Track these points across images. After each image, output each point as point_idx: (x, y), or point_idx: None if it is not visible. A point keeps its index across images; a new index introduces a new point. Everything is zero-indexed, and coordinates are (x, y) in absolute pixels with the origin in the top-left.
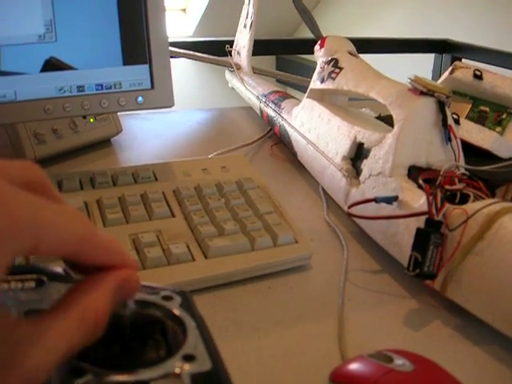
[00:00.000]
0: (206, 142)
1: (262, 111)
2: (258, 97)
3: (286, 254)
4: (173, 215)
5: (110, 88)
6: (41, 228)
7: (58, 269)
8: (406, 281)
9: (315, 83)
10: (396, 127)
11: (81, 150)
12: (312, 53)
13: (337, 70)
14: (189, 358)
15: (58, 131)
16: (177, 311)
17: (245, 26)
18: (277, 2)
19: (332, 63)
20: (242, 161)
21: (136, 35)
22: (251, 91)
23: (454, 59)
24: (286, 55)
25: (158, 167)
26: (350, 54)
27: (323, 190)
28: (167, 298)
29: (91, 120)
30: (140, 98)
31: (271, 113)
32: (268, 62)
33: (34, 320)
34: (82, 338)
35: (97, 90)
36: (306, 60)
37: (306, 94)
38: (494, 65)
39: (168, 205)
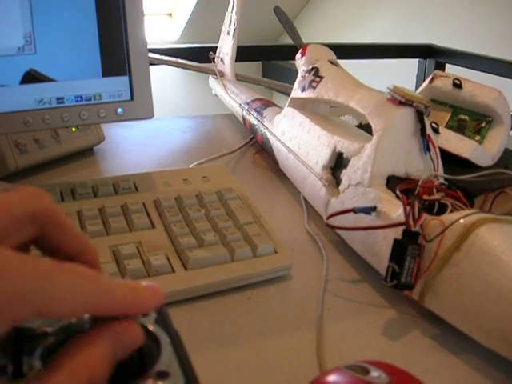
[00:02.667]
0: (189, 151)
1: (244, 119)
2: (240, 104)
3: (265, 265)
4: (153, 226)
5: (90, 100)
6: (46, 296)
7: None
8: (385, 290)
9: (296, 92)
10: (374, 137)
11: (63, 159)
12: (295, 59)
13: (317, 79)
14: (162, 375)
15: (40, 141)
16: (151, 327)
17: (228, 33)
18: (261, 7)
19: (313, 72)
20: (223, 170)
21: (115, 46)
22: (234, 99)
23: (437, 64)
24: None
25: (139, 177)
26: (331, 62)
27: (304, 198)
28: (143, 314)
29: (73, 129)
30: (120, 110)
31: (253, 121)
32: (254, 67)
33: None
34: None
35: (76, 101)
36: (293, 65)
37: (287, 103)
38: (478, 70)
39: (148, 216)
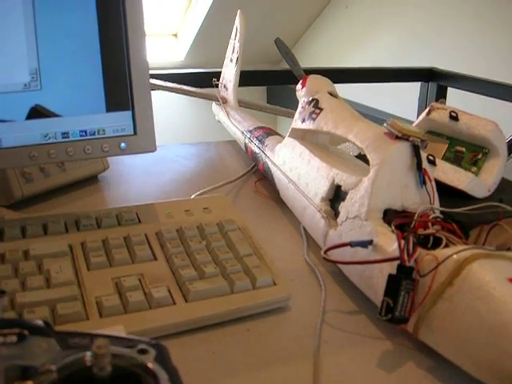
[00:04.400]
0: (192, 179)
1: (246, 147)
2: (242, 132)
3: (264, 297)
4: (155, 258)
5: (94, 134)
6: None
7: (39, 322)
8: (381, 322)
9: (296, 123)
10: (372, 171)
11: (68, 186)
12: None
13: (317, 111)
14: None
15: (45, 170)
16: (151, 365)
17: (231, 60)
18: (264, 31)
19: (313, 103)
20: (224, 201)
21: (119, 82)
22: (236, 126)
23: (439, 87)
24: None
25: (142, 209)
26: (331, 94)
27: (304, 228)
28: (143, 352)
29: None
30: (123, 144)
31: (255, 149)
32: (259, 90)
33: None
34: None
35: (81, 136)
36: None
37: (288, 133)
38: (479, 93)
39: (150, 247)
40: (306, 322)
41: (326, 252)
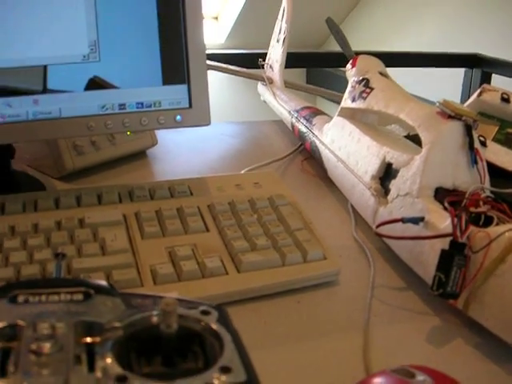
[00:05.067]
0: (238, 156)
1: (293, 126)
2: (289, 112)
3: (314, 270)
4: (207, 230)
5: (150, 106)
6: None
7: (104, 282)
8: (429, 298)
9: (346, 102)
10: (424, 150)
11: (117, 161)
12: (341, 66)
13: (368, 90)
14: (225, 370)
15: (96, 143)
16: (214, 325)
17: (278, 41)
18: (305, 14)
19: (363, 83)
20: (274, 177)
21: (175, 55)
22: (283, 106)
23: (484, 74)
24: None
25: (194, 182)
26: (381, 74)
27: (352, 206)
28: (205, 313)
29: (128, 132)
30: (178, 117)
31: (302, 128)
32: (298, 72)
33: None
34: None
35: (137, 108)
36: (338, 71)
37: (337, 112)
38: None
39: (203, 219)
40: (355, 296)
41: (377, 227)
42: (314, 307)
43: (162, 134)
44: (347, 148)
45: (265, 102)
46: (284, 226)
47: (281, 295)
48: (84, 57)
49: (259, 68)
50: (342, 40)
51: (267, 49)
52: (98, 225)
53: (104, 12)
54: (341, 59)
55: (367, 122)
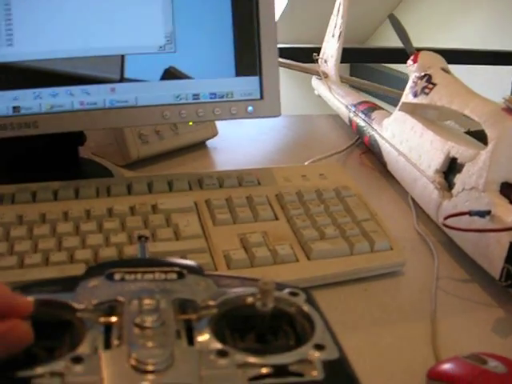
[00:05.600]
0: (297, 148)
1: (350, 120)
2: (346, 106)
3: (381, 260)
4: (276, 218)
5: (223, 97)
6: None
7: (195, 263)
8: (493, 291)
9: (407, 97)
10: (490, 145)
11: (178, 151)
12: (385, 62)
13: (430, 86)
14: (319, 347)
15: (160, 133)
16: (304, 306)
17: (333, 36)
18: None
19: (425, 78)
20: (338, 169)
21: (249, 48)
22: (340, 100)
23: None
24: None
25: (261, 172)
26: (444, 70)
27: (412, 199)
28: (294, 294)
29: (190, 123)
30: (250, 108)
31: (361, 123)
32: (342, 68)
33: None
34: None
35: (210, 98)
36: (380, 66)
37: (398, 107)
38: None
39: (271, 208)
40: (420, 286)
41: (446, 219)
42: (380, 296)
43: (222, 126)
44: (409, 142)
45: (319, 96)
46: (351, 216)
47: (348, 283)
48: (160, 47)
49: (311, 62)
50: (403, 36)
51: (310, 44)
52: (171, 211)
53: (180, 5)
54: (385, 55)
55: (427, 117)
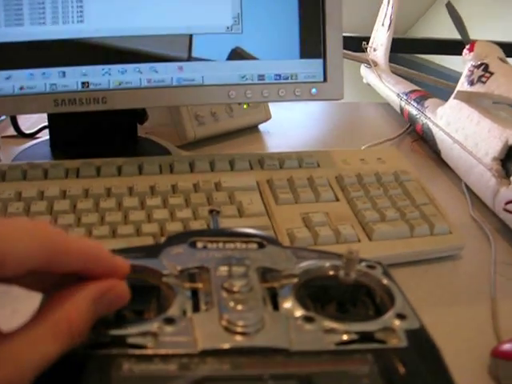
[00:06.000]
0: (348, 135)
1: (402, 108)
2: (398, 94)
3: (441, 243)
4: (337, 199)
5: (287, 79)
6: (0, 243)
7: (273, 235)
8: None
9: (463, 85)
10: None
11: (232, 133)
12: (431, 53)
13: (487, 75)
14: (401, 317)
15: (216, 114)
16: (383, 278)
17: (383, 25)
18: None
19: (482, 67)
20: (396, 154)
21: (313, 30)
22: (391, 88)
23: None
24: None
25: (320, 154)
26: (501, 60)
27: (466, 187)
28: (371, 267)
29: (245, 106)
30: (314, 90)
31: (413, 111)
32: None
33: (7, 334)
34: (55, 349)
35: (275, 79)
36: (418, 58)
37: (453, 95)
38: None
39: (332, 189)
40: (479, 270)
41: (507, 204)
42: (440, 278)
43: (274, 109)
44: (465, 130)
45: (368, 84)
46: (410, 200)
47: (409, 265)
48: (227, 28)
49: (359, 51)
50: (460, 25)
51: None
52: (234, 189)
53: None
54: (426, 46)
55: (481, 105)
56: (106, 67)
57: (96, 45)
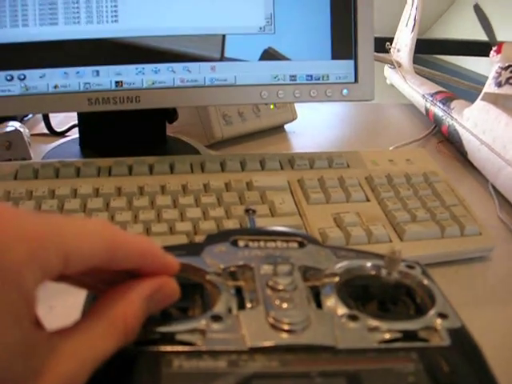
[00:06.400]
0: (374, 135)
1: (427, 109)
2: (423, 95)
3: (471, 244)
4: (367, 199)
5: (319, 79)
6: (66, 243)
7: (312, 235)
8: None
9: (490, 87)
10: None
11: (258, 133)
12: (452, 54)
13: None
14: (442, 316)
15: (243, 114)
16: (423, 278)
17: (406, 25)
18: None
19: (510, 69)
20: (424, 155)
21: (345, 31)
22: (415, 89)
23: None
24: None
25: (349, 155)
26: None
27: (494, 188)
28: (410, 267)
29: (272, 107)
30: (345, 91)
31: (439, 112)
32: None
33: (64, 331)
34: (111, 346)
35: (307, 80)
36: (437, 59)
37: (480, 97)
38: None
39: (362, 190)
40: (509, 271)
41: None
42: (471, 279)
43: (299, 110)
44: (493, 132)
45: (391, 85)
46: (440, 201)
47: (439, 265)
48: (260, 28)
49: (383, 52)
50: (487, 27)
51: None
52: (265, 188)
53: None
54: (447, 47)
55: (509, 107)
56: (140, 66)
57: (130, 44)
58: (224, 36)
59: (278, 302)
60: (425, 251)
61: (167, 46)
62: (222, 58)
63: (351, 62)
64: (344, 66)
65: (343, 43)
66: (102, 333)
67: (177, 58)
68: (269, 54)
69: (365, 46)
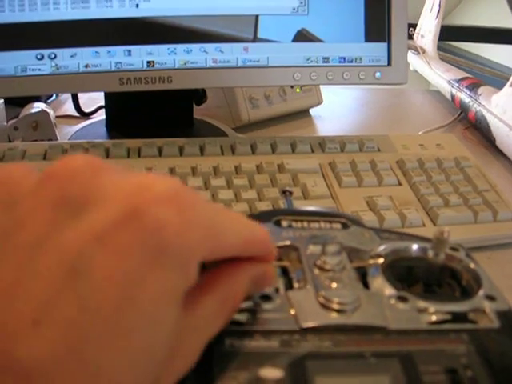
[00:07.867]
0: (399, 121)
1: (453, 96)
2: (449, 81)
3: (504, 229)
4: (399, 183)
5: (352, 62)
6: (217, 235)
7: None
8: None
9: None
10: None
11: (284, 117)
12: (472, 41)
13: None
14: (490, 298)
15: (270, 97)
16: (468, 260)
17: (430, 11)
18: None
19: None
20: (454, 140)
21: (379, 14)
22: (441, 75)
23: None
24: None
25: (379, 139)
26: None
27: None
28: (454, 249)
29: (297, 90)
30: (378, 74)
31: (465, 98)
32: None
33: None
34: (221, 324)
35: (340, 62)
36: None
37: (509, 83)
38: None
39: (394, 174)
40: None
41: None
42: (505, 264)
43: (324, 94)
44: None
45: (415, 71)
46: (471, 186)
47: (472, 251)
48: (293, 9)
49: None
50: None
51: None
52: (297, 171)
53: None
54: (469, 33)
55: None
56: (172, 46)
57: (162, 24)
58: (257, 16)
59: (327, 282)
60: (458, 236)
61: (200, 26)
62: (255, 39)
63: (385, 45)
64: (377, 49)
65: (377, 25)
66: (216, 310)
67: (209, 38)
68: (302, 36)
69: (398, 28)
